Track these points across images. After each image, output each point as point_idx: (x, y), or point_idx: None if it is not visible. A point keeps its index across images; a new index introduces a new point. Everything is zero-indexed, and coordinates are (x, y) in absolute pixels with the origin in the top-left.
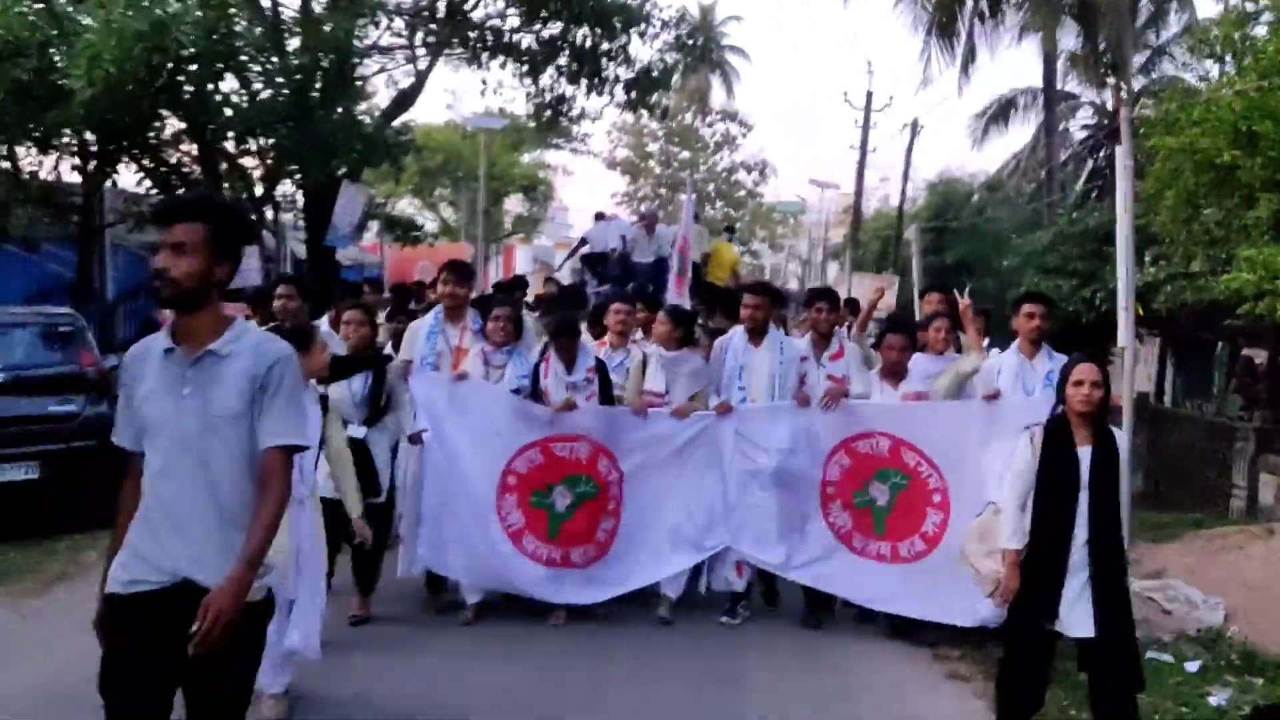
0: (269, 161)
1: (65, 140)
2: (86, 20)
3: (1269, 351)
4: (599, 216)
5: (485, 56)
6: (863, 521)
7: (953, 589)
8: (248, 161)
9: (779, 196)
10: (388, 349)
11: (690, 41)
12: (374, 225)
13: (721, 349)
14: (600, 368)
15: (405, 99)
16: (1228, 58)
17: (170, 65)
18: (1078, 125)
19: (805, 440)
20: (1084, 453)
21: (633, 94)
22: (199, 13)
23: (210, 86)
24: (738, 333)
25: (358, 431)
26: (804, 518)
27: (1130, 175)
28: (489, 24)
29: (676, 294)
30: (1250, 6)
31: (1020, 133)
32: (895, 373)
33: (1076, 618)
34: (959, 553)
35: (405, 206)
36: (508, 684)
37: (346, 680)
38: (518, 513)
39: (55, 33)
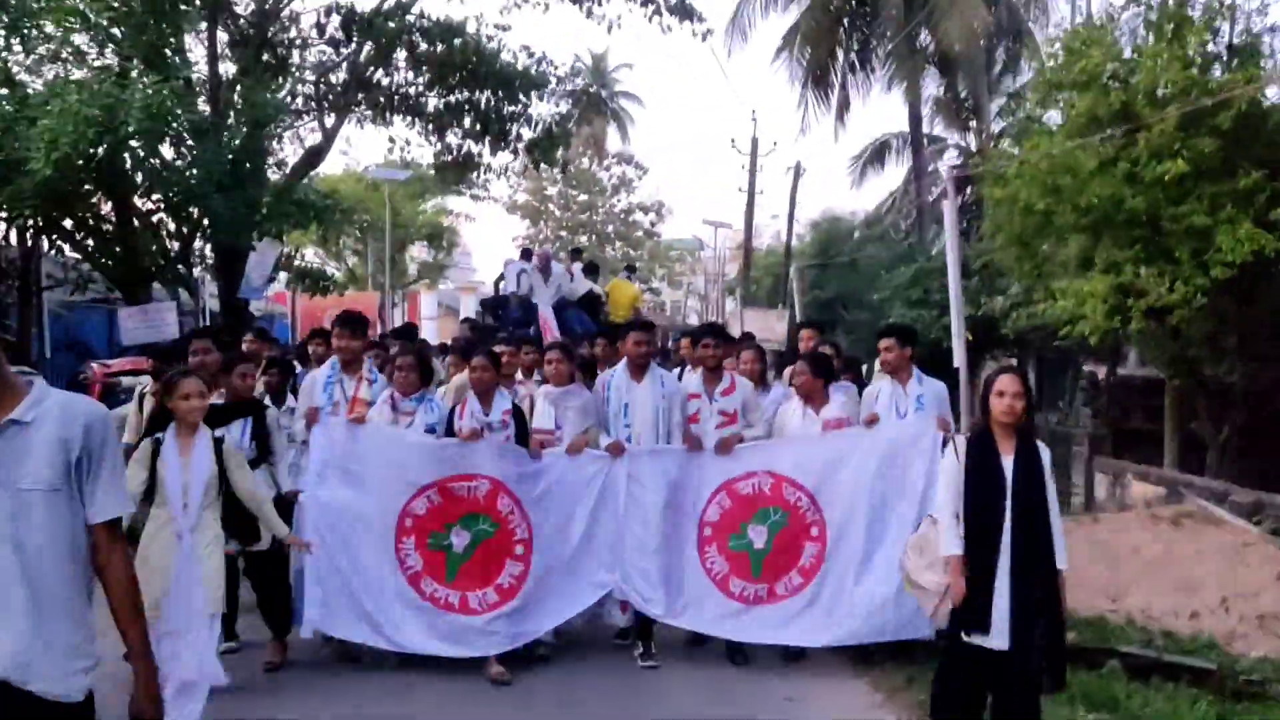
0: (204, 228)
1: (14, 213)
2: (45, 104)
3: (1107, 366)
4: (525, 254)
5: (390, 115)
6: (740, 565)
7: (827, 612)
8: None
9: (676, 234)
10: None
11: (588, 93)
12: (282, 276)
13: (603, 386)
14: (517, 413)
15: (314, 157)
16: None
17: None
18: (945, 165)
19: (689, 481)
20: (1007, 462)
21: (535, 153)
22: (143, 96)
23: (149, 161)
24: (618, 370)
25: None
26: (682, 560)
27: (957, 233)
28: (396, 89)
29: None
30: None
31: (895, 173)
32: (810, 398)
33: (998, 629)
34: (900, 571)
35: (310, 256)
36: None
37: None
38: (415, 555)
39: (6, 122)
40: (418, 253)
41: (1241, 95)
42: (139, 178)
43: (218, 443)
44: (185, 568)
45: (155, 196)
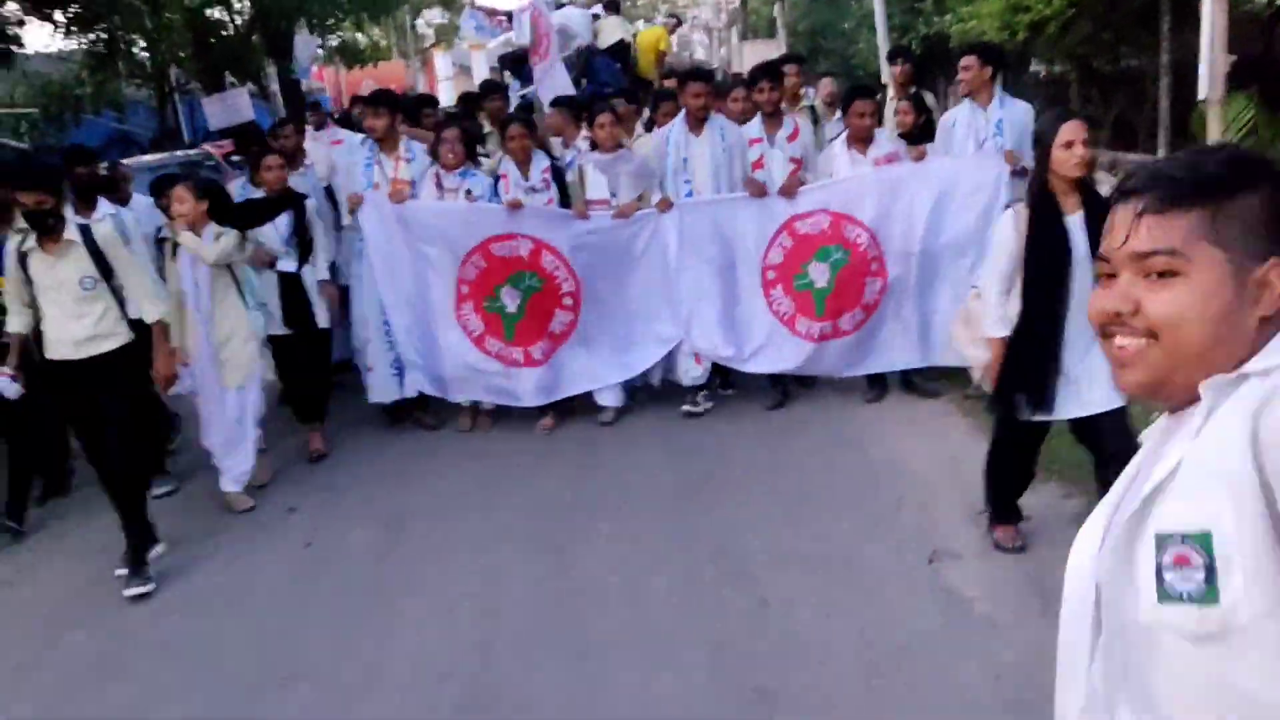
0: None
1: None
2: None
3: (1045, 66)
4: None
5: None
6: (805, 304)
7: (895, 339)
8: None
9: None
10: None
11: None
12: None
13: (663, 141)
14: (556, 172)
15: None
16: None
17: None
18: None
19: (749, 227)
20: (1073, 220)
21: None
22: None
23: None
24: (676, 124)
25: (289, 266)
26: (749, 305)
27: None
28: None
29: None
30: None
31: None
32: (863, 139)
33: (1094, 396)
34: (949, 336)
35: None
36: (493, 487)
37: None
38: (476, 318)
39: None
40: (431, 18)
41: None
42: None
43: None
44: (206, 353)
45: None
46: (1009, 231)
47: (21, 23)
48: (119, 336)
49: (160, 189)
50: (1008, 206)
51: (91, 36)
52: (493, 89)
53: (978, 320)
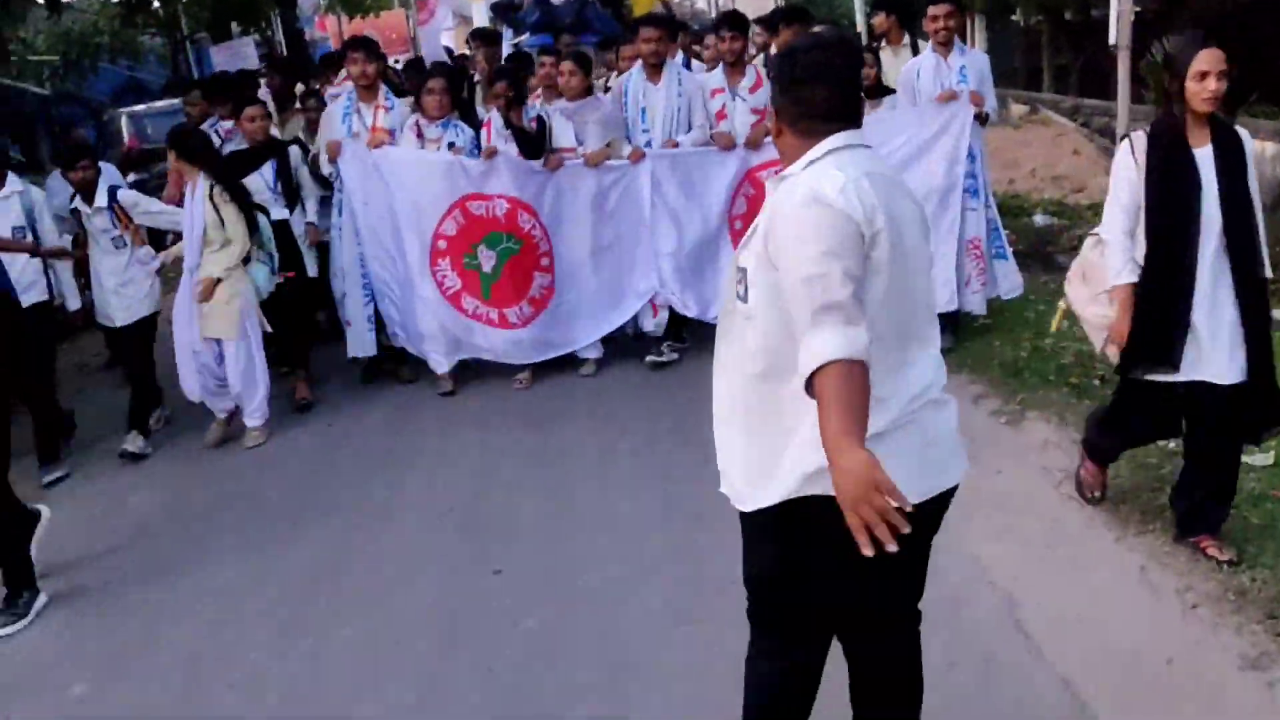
0: None
1: None
2: None
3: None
4: None
5: None
6: None
7: None
8: None
9: None
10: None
11: None
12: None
13: (620, 91)
14: (540, 121)
15: None
16: None
17: None
18: None
19: (714, 179)
20: (1202, 154)
21: None
22: None
23: None
24: (634, 73)
25: (280, 213)
26: (717, 257)
27: None
28: None
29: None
30: None
31: None
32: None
33: (1215, 359)
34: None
35: None
36: (488, 389)
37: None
38: (453, 274)
39: None
40: None
41: None
42: None
43: (211, 188)
44: (185, 301)
45: None
46: (1126, 162)
47: None
48: None
49: (70, 162)
50: (1124, 137)
51: None
52: (485, 37)
53: (1098, 271)
